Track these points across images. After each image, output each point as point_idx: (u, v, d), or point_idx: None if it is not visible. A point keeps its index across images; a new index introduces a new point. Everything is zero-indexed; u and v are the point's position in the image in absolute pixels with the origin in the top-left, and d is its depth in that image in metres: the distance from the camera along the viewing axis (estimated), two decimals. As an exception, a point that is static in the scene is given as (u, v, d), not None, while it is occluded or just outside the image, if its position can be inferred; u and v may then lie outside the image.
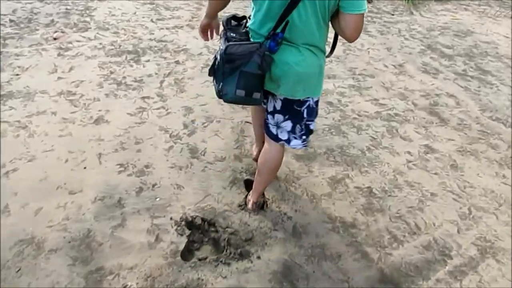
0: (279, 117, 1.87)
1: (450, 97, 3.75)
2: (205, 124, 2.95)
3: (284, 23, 1.58)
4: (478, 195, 2.59)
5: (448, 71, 4.27)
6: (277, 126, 1.90)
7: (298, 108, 1.82)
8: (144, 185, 2.38)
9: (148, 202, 2.27)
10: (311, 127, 1.92)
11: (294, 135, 1.90)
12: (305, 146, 1.96)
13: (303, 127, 1.88)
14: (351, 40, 1.65)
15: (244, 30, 1.73)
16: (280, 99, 1.81)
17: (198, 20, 4.75)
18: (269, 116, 1.92)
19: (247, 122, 3.01)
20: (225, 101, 1.73)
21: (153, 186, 2.38)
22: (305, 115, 1.84)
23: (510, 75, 4.38)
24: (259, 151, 2.30)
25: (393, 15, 5.93)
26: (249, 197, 2.28)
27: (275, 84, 1.72)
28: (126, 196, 2.29)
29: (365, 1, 1.56)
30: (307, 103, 1.82)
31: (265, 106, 1.97)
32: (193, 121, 2.92)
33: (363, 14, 1.56)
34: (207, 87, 3.42)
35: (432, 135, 3.14)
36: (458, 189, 2.62)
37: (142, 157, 2.58)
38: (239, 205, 2.29)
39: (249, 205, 2.25)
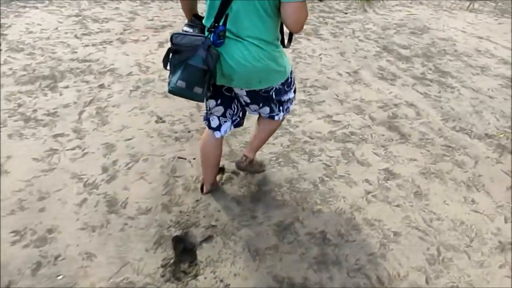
0: (254, 106, 1.97)
1: (410, 106, 3.45)
2: (129, 165, 2.51)
3: (224, 16, 1.60)
4: (447, 229, 2.28)
5: (406, 76, 3.99)
6: (258, 112, 2.04)
7: (266, 94, 1.88)
8: (44, 258, 1.92)
9: (46, 283, 1.81)
10: (284, 99, 2.02)
11: (277, 112, 2.05)
12: (288, 112, 2.15)
13: (276, 103, 2.00)
14: (294, 31, 1.65)
15: (201, 26, 1.75)
16: (244, 94, 1.87)
17: (130, 33, 4.27)
18: (247, 108, 2.03)
19: (180, 158, 2.59)
20: (168, 91, 1.67)
21: (56, 258, 1.92)
22: (274, 96, 1.92)
23: (471, 75, 4.15)
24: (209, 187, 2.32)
25: (346, 13, 5.63)
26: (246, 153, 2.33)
27: (227, 78, 1.74)
28: (19, 277, 1.82)
29: None
30: (273, 89, 1.88)
31: (218, 133, 2.03)
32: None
33: (302, 2, 1.53)
34: (135, 115, 2.97)
35: (392, 156, 2.81)
36: (424, 223, 2.30)
37: (46, 218, 2.11)
38: (163, 275, 1.87)
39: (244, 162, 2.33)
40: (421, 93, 3.69)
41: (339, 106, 3.35)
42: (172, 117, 2.98)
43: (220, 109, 1.96)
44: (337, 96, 3.49)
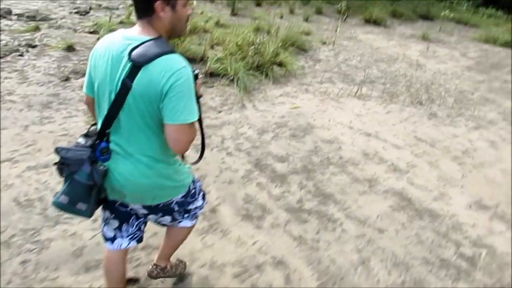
0: (153, 217, 1.87)
1: (277, 266, 2.64)
2: None
3: (107, 130, 1.60)
4: None
5: (278, 208, 3.22)
6: (158, 221, 1.91)
7: (166, 207, 1.81)
8: None
9: None
10: (190, 207, 1.93)
11: (180, 218, 1.94)
12: (196, 220, 2.06)
13: (182, 212, 1.91)
14: (175, 152, 1.63)
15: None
16: (141, 208, 1.80)
17: None
18: (147, 219, 1.93)
19: None
20: (51, 204, 1.65)
21: None
22: (176, 209, 1.86)
23: (357, 196, 3.51)
24: None
25: (220, 112, 4.93)
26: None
27: (120, 194, 1.69)
28: None
29: (191, 110, 1.50)
30: (173, 202, 1.82)
31: (111, 245, 1.92)
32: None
33: (185, 125, 1.50)
34: None
35: None
36: None
37: None
38: None
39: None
40: (294, 238, 2.92)
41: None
42: None
43: (115, 222, 1.88)
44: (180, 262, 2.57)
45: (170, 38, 1.61)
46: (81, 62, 5.48)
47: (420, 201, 3.55)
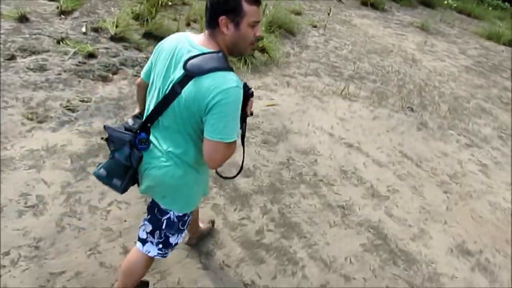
0: (145, 216, 1.94)
1: (219, 325, 2.25)
2: None
3: (149, 124, 1.70)
4: None
5: (232, 242, 2.83)
6: (144, 222, 1.93)
7: (159, 216, 1.84)
8: None
9: None
10: (171, 240, 1.91)
11: (151, 239, 1.91)
12: (161, 256, 1.96)
13: (162, 235, 1.89)
14: (209, 166, 1.68)
15: None
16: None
17: None
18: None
19: None
20: (93, 174, 1.85)
21: None
22: (163, 226, 1.86)
23: (327, 228, 3.13)
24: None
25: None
26: None
27: (140, 179, 1.80)
28: None
29: (231, 131, 1.54)
30: (168, 215, 1.84)
31: None
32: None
33: (221, 143, 1.54)
34: None
35: None
36: None
37: None
38: None
39: None
40: (245, 285, 2.53)
41: None
42: None
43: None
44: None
45: (230, 55, 1.66)
46: (32, 37, 4.81)
47: (396, 240, 3.20)
